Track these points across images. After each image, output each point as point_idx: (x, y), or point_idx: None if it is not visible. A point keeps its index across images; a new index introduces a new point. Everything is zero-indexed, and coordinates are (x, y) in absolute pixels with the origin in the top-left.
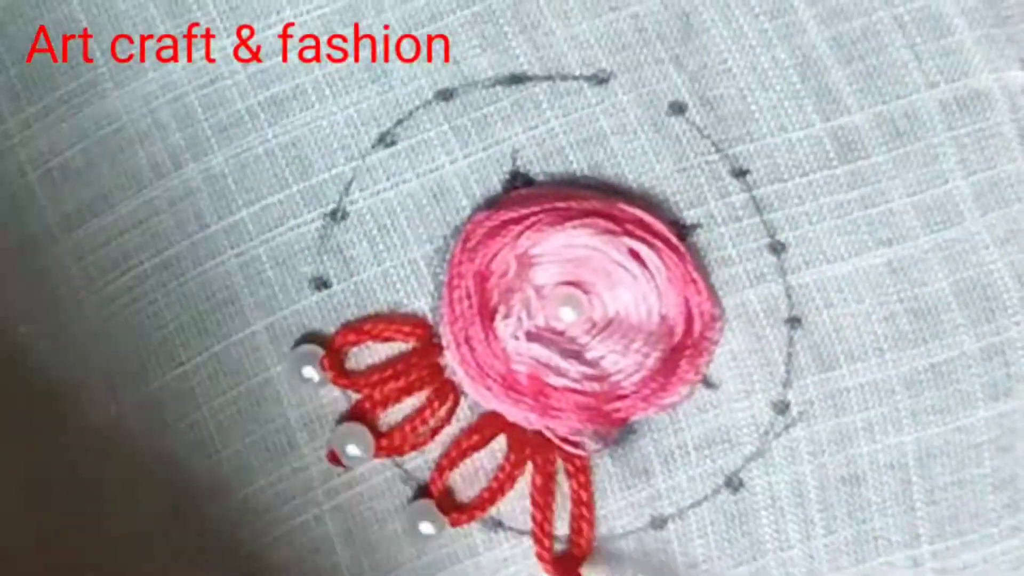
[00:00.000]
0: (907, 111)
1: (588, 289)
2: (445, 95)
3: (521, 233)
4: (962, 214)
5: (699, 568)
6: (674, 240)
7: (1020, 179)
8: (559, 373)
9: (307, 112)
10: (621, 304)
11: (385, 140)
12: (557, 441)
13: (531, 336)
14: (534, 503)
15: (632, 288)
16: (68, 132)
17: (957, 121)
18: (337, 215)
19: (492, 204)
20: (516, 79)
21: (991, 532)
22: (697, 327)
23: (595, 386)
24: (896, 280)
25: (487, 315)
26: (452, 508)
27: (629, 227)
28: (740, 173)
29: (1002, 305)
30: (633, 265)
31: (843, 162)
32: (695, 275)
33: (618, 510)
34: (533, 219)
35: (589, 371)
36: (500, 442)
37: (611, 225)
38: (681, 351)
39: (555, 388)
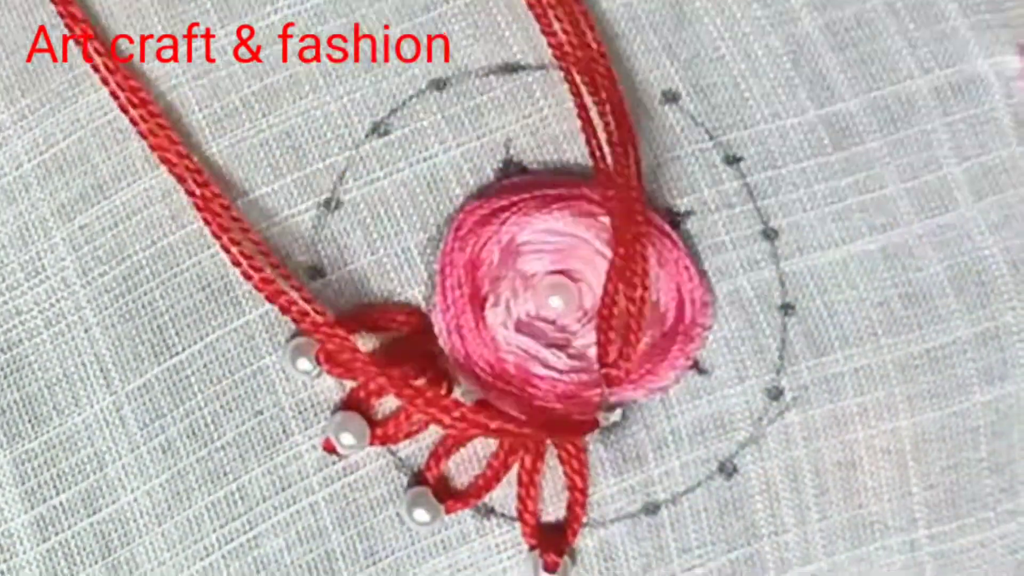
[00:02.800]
0: (901, 97)
1: (578, 277)
2: (439, 84)
3: (507, 219)
4: (956, 200)
5: (693, 553)
6: (666, 227)
7: (1014, 165)
8: (545, 364)
9: (301, 102)
10: None
11: (379, 129)
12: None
13: (520, 326)
14: (520, 483)
15: None
16: (63, 123)
17: (951, 107)
18: (331, 204)
19: (485, 193)
20: (509, 68)
21: (987, 516)
22: (689, 313)
23: (582, 377)
24: (890, 266)
25: (478, 304)
26: (447, 495)
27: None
28: (733, 160)
29: (996, 290)
30: None
31: (837, 148)
32: (687, 261)
33: (611, 495)
34: (520, 205)
35: (575, 363)
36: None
37: (595, 208)
38: (672, 337)
39: (540, 378)
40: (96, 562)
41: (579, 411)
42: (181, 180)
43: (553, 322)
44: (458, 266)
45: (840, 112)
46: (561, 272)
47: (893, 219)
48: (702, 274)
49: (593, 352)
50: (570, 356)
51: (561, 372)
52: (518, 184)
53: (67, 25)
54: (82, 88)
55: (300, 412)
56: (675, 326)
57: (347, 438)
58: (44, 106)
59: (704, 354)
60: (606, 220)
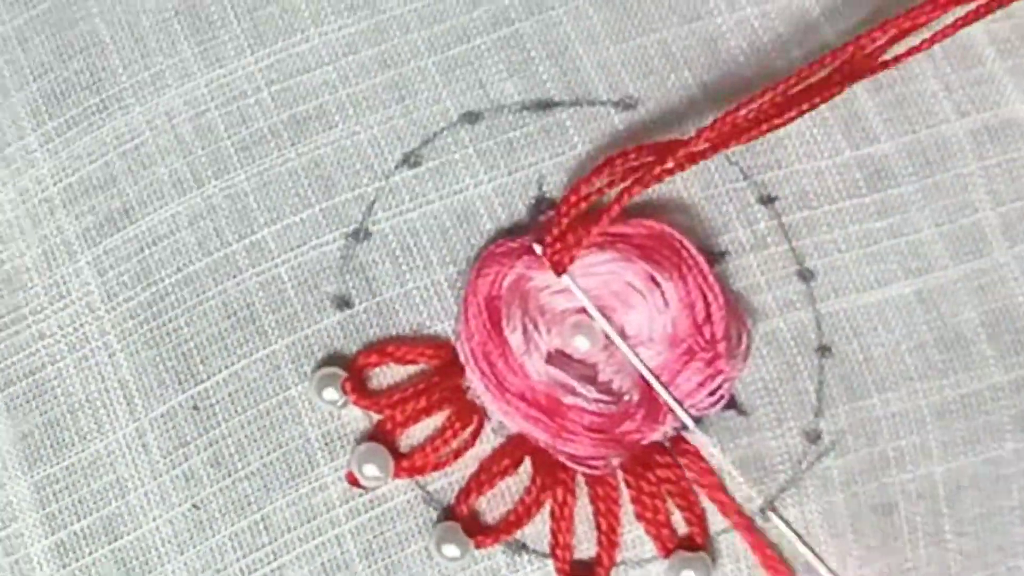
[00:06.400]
0: (937, 140)
1: (605, 313)
2: (471, 118)
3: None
4: (990, 244)
5: None
6: (701, 260)
7: None
8: (575, 394)
9: (331, 131)
10: (634, 325)
11: (409, 161)
12: (574, 465)
13: (548, 358)
14: (553, 518)
15: (642, 309)
16: (90, 146)
17: (987, 151)
18: (360, 235)
19: (518, 229)
20: (543, 104)
21: (1018, 565)
22: (713, 345)
23: (610, 407)
24: (925, 310)
25: (500, 331)
26: (477, 530)
27: (648, 248)
28: (768, 200)
29: None
30: (649, 286)
31: (872, 190)
32: (715, 295)
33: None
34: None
35: (603, 396)
36: (525, 464)
37: (630, 248)
38: (687, 360)
39: (569, 408)
40: None
41: (610, 448)
42: None
43: (578, 359)
44: (481, 294)
45: (875, 154)
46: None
47: (928, 263)
48: (741, 310)
49: (617, 384)
50: (599, 389)
51: (589, 402)
52: (551, 220)
53: None
54: (110, 111)
55: (326, 443)
56: (693, 353)
57: (370, 469)
58: (71, 129)
59: (743, 395)
60: (642, 263)
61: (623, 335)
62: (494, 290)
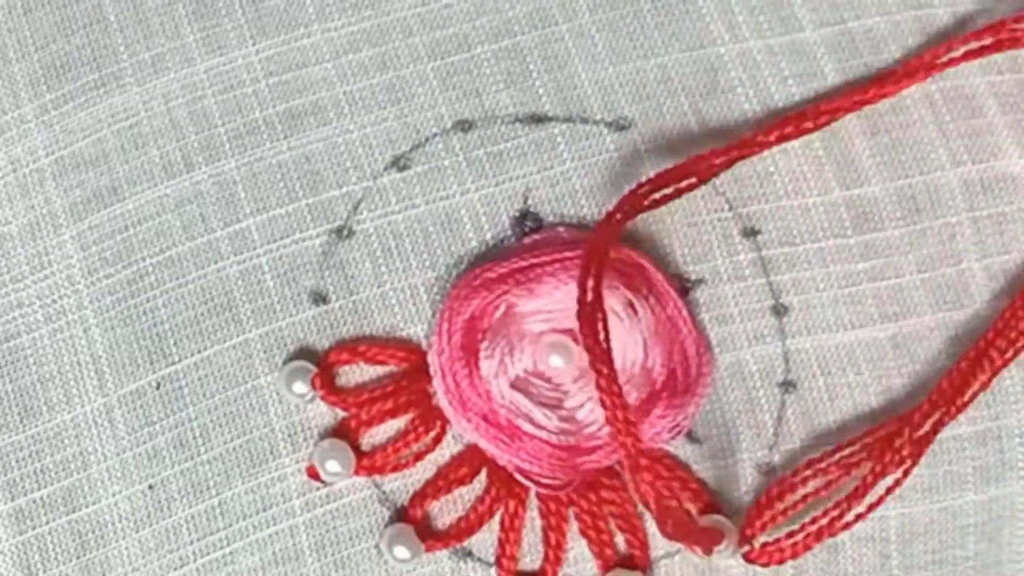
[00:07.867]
0: (928, 187)
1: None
2: (464, 126)
3: (520, 283)
4: (972, 296)
5: None
6: (671, 291)
7: None
8: (536, 424)
9: (324, 128)
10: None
11: (398, 163)
12: (529, 484)
13: (516, 383)
14: (503, 528)
15: (621, 336)
16: (85, 121)
17: (978, 202)
18: (343, 232)
19: (504, 252)
20: (536, 118)
21: None
22: (681, 378)
23: (569, 439)
24: (898, 355)
25: (474, 352)
26: (428, 534)
27: (628, 275)
28: (751, 233)
29: (1003, 391)
30: (628, 312)
31: (857, 232)
32: (690, 327)
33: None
34: (536, 270)
35: (565, 426)
36: (480, 473)
37: (613, 275)
38: (655, 399)
39: (530, 436)
40: (70, 560)
41: (567, 474)
42: None
43: (549, 380)
44: (460, 314)
45: (865, 196)
46: (566, 331)
47: (906, 309)
48: (705, 343)
49: (582, 415)
50: (561, 418)
51: (550, 433)
52: (539, 243)
53: None
54: (107, 89)
55: (290, 435)
56: (661, 390)
57: (332, 465)
58: (68, 103)
59: (699, 424)
60: (623, 290)
61: None
62: (477, 312)
